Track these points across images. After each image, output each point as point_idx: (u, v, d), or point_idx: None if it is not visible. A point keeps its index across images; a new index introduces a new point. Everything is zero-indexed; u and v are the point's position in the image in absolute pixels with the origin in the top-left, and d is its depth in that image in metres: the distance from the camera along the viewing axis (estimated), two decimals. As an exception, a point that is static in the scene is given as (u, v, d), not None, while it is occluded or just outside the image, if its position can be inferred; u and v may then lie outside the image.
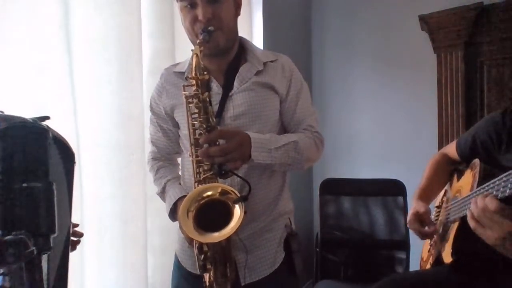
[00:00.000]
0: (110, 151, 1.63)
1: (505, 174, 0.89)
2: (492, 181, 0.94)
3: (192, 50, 1.08)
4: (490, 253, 0.89)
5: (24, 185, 0.66)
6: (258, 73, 1.22)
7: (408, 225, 1.36)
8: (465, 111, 2.40)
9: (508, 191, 0.84)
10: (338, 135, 2.92)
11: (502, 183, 0.89)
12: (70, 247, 0.89)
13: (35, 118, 0.75)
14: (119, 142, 1.65)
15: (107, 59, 1.60)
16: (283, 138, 1.18)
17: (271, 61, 1.26)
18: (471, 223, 0.90)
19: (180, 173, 1.36)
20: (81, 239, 1.02)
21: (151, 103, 1.33)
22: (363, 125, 2.91)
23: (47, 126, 0.77)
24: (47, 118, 0.80)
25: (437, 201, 1.48)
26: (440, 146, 2.47)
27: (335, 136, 2.91)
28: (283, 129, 1.29)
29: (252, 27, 2.55)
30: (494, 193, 0.89)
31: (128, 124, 1.68)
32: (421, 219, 1.31)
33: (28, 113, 0.77)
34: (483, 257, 1.04)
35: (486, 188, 0.97)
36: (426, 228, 1.31)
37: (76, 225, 1.01)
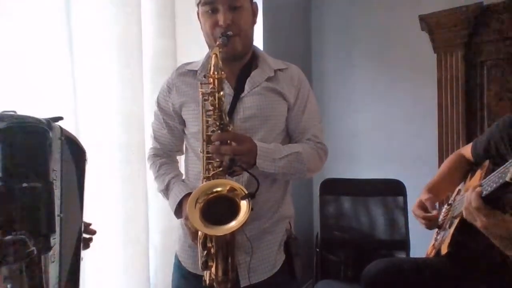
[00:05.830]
0: (111, 151, 1.63)
1: (496, 171, 0.93)
2: (489, 176, 0.98)
3: (210, 51, 1.12)
4: (487, 248, 0.92)
5: (24, 185, 0.66)
6: (268, 79, 1.26)
7: (413, 214, 1.41)
8: (465, 111, 2.39)
9: (489, 189, 0.91)
10: (338, 135, 2.92)
11: (490, 182, 0.93)
12: (82, 245, 0.89)
13: (48, 118, 0.75)
14: (120, 141, 1.65)
15: (108, 58, 1.61)
16: (287, 148, 1.21)
17: (282, 69, 1.30)
18: (463, 212, 0.99)
19: (182, 171, 1.37)
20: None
21: (158, 99, 1.35)
22: (363, 125, 2.90)
23: (60, 126, 0.77)
24: (60, 118, 0.80)
25: (450, 199, 1.51)
26: (440, 146, 2.46)
27: (335, 136, 2.90)
28: (288, 137, 1.31)
29: (252, 27, 2.55)
30: (483, 190, 0.94)
31: (129, 123, 1.68)
32: (424, 206, 1.36)
33: (29, 112, 0.76)
34: (480, 251, 1.07)
35: (482, 183, 1.00)
36: (430, 213, 1.35)
37: (89, 224, 1.01)
